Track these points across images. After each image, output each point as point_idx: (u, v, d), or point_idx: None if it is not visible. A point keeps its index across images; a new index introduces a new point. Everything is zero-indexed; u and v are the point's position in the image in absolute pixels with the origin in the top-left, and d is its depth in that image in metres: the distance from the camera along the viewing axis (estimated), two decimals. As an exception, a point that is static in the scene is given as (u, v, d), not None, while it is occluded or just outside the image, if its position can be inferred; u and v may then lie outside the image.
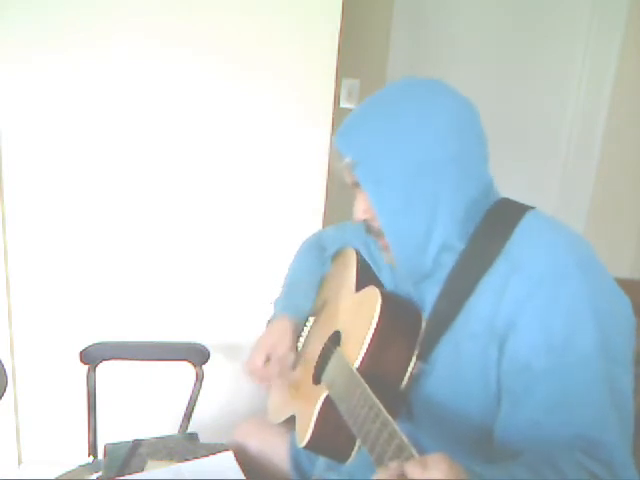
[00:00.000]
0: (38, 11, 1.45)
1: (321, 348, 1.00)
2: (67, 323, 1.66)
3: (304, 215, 1.61)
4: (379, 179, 0.79)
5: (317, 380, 0.95)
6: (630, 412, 0.71)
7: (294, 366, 1.09)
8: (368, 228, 0.87)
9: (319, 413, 0.85)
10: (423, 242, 0.80)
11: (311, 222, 1.60)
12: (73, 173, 1.56)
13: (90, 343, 1.35)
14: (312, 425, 0.85)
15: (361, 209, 0.85)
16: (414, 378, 0.81)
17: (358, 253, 1.05)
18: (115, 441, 1.22)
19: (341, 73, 1.70)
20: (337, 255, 1.14)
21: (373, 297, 0.86)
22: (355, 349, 0.82)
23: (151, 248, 1.63)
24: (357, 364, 0.80)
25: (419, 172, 0.78)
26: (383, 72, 2.03)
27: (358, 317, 0.90)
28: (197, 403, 1.40)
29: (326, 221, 1.62)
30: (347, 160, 0.81)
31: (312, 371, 0.99)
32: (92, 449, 1.36)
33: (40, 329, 1.67)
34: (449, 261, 0.81)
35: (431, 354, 0.80)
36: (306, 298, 1.10)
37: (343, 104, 1.94)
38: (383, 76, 2.02)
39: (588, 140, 2.15)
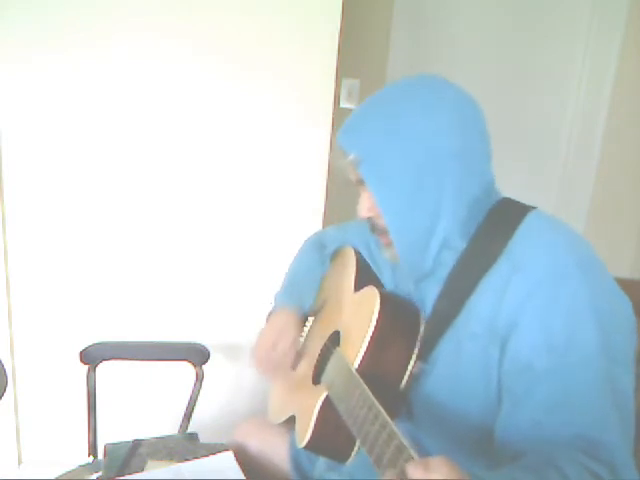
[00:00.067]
0: (38, 11, 1.45)
1: (320, 348, 1.00)
2: (67, 323, 1.66)
3: (304, 215, 1.61)
4: (383, 176, 0.79)
5: (316, 380, 0.95)
6: (631, 412, 0.71)
7: (294, 366, 1.09)
8: (372, 226, 0.87)
9: (319, 413, 0.85)
10: (425, 238, 0.80)
11: (311, 222, 1.60)
12: (73, 173, 1.56)
13: (90, 343, 1.35)
14: (312, 425, 0.85)
15: (365, 207, 0.85)
16: (414, 378, 0.80)
17: (357, 253, 1.05)
18: (115, 441, 1.22)
19: (341, 73, 1.70)
20: (336, 255, 1.14)
21: (372, 297, 0.86)
22: (354, 349, 0.82)
23: (151, 248, 1.63)
24: (356, 364, 0.80)
25: (423, 169, 0.78)
26: (383, 72, 2.03)
27: (357, 317, 0.90)
28: (197, 403, 1.40)
29: (326, 221, 1.62)
30: (351, 157, 0.81)
31: (312, 371, 0.99)
32: (92, 449, 1.36)
33: (40, 329, 1.67)
34: (450, 260, 0.81)
35: (431, 354, 0.80)
36: (307, 294, 1.10)
37: (343, 104, 1.94)
38: (383, 76, 2.02)
39: (588, 140, 2.15)
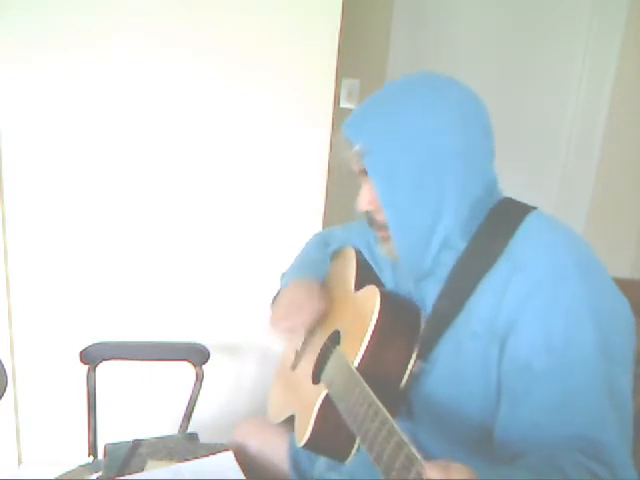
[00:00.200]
0: (38, 11, 1.45)
1: (320, 348, 1.00)
2: (67, 323, 1.66)
3: (304, 215, 1.61)
4: (388, 169, 0.79)
5: (316, 379, 0.95)
6: (629, 412, 0.71)
7: (294, 366, 1.10)
8: (370, 220, 0.87)
9: (318, 412, 0.85)
10: (426, 236, 0.80)
11: (311, 222, 1.60)
12: (73, 173, 1.56)
13: (90, 343, 1.35)
14: (311, 424, 0.85)
15: (366, 200, 0.85)
16: (414, 377, 0.81)
17: (358, 252, 1.05)
18: (115, 441, 1.22)
19: (341, 73, 1.70)
20: (336, 255, 1.14)
21: (372, 296, 0.86)
22: (354, 348, 0.82)
23: (151, 248, 1.63)
24: (356, 363, 0.80)
25: (424, 167, 0.78)
26: (383, 72, 2.03)
27: (357, 316, 0.90)
28: (197, 403, 1.40)
29: (326, 221, 1.62)
30: (357, 148, 0.81)
31: (311, 371, 0.99)
32: (92, 449, 1.35)
33: (40, 329, 1.67)
34: (450, 260, 0.81)
35: (431, 353, 0.81)
36: (317, 275, 1.08)
37: (343, 104, 1.94)
38: (383, 76, 2.02)
39: (588, 140, 2.15)
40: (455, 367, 0.78)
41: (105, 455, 1.19)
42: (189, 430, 1.40)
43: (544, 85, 2.13)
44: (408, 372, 0.80)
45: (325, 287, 1.06)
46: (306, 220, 1.61)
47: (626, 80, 2.09)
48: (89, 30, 1.47)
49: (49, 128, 1.53)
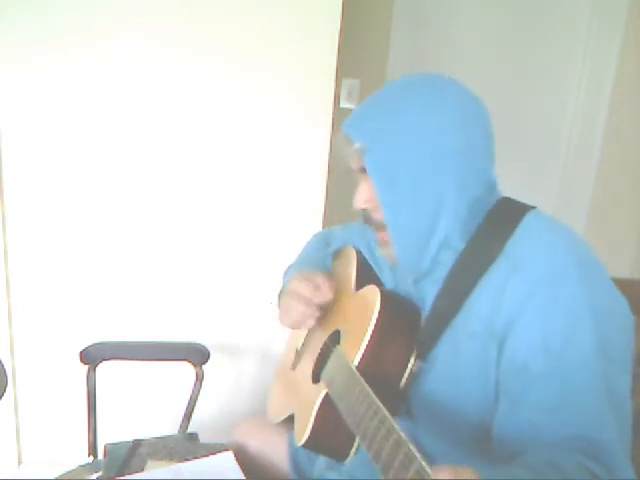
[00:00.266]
0: (38, 11, 1.45)
1: (320, 347, 1.00)
2: (67, 323, 1.66)
3: (304, 215, 1.61)
4: (387, 168, 0.79)
5: (316, 379, 0.95)
6: (627, 412, 0.71)
7: (294, 365, 1.10)
8: (367, 219, 0.87)
9: (318, 411, 0.85)
10: (425, 236, 0.80)
11: (311, 222, 1.60)
12: (73, 173, 1.56)
13: (90, 343, 1.35)
14: (311, 423, 0.85)
15: (363, 198, 0.85)
16: (413, 376, 0.81)
17: (358, 252, 1.05)
18: (115, 441, 1.21)
19: (341, 73, 1.70)
20: (337, 254, 1.14)
21: (372, 295, 0.86)
22: (354, 347, 0.82)
23: (151, 248, 1.63)
24: (356, 362, 0.80)
25: (426, 164, 0.78)
26: (383, 72, 2.03)
27: (358, 316, 0.90)
28: (197, 403, 1.40)
29: (326, 221, 1.62)
30: (357, 146, 0.81)
31: (311, 370, 0.99)
32: (92, 449, 1.35)
33: (40, 329, 1.67)
34: (449, 260, 0.81)
35: (430, 353, 0.81)
36: (322, 267, 1.07)
37: (343, 104, 1.94)
38: (383, 76, 2.02)
39: (588, 140, 2.15)
40: (454, 367, 0.78)
41: (105, 455, 1.19)
42: (189, 430, 1.40)
43: (544, 85, 2.13)
44: (408, 372, 0.80)
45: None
46: (306, 220, 1.61)
47: (626, 80, 2.09)
48: (89, 30, 1.47)
49: (49, 128, 1.53)
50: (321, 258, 1.12)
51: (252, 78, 1.52)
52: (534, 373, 0.70)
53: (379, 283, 0.94)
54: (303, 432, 0.87)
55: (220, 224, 1.62)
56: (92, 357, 1.33)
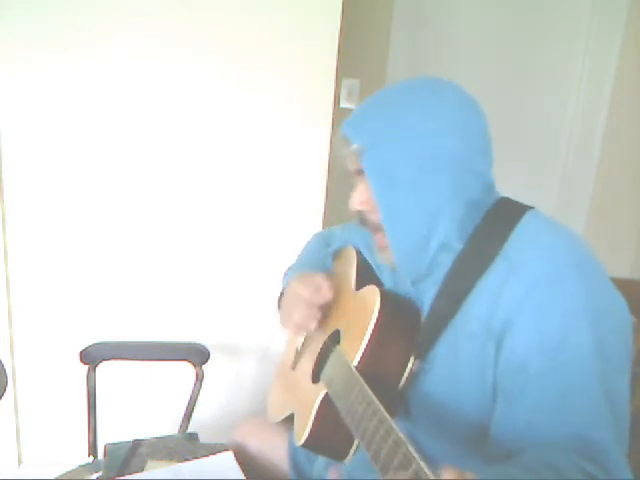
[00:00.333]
0: (38, 11, 1.45)
1: (320, 347, 1.00)
2: (67, 323, 1.66)
3: (304, 215, 1.61)
4: (385, 170, 0.79)
5: (316, 379, 0.95)
6: (625, 412, 0.71)
7: (294, 365, 1.10)
8: (362, 220, 0.87)
9: (317, 411, 0.85)
10: (423, 239, 0.80)
11: (311, 222, 1.60)
12: (73, 173, 1.56)
13: (90, 343, 1.35)
14: (310, 423, 0.85)
15: (359, 200, 0.85)
16: (413, 376, 0.81)
17: (358, 252, 1.05)
18: (115, 441, 1.21)
19: (341, 73, 1.70)
20: (338, 254, 1.14)
21: (373, 295, 0.86)
22: (354, 347, 0.82)
23: (151, 248, 1.63)
24: (356, 362, 0.80)
25: (424, 167, 0.78)
26: (383, 72, 2.03)
27: (357, 315, 0.90)
28: (197, 403, 1.40)
29: (326, 221, 1.62)
30: (355, 147, 0.81)
31: (311, 370, 0.99)
32: (92, 449, 1.35)
33: (40, 329, 1.67)
34: (447, 261, 0.81)
35: (430, 353, 0.81)
36: (321, 269, 1.07)
37: (343, 104, 1.94)
38: (383, 76, 2.02)
39: (588, 140, 2.15)
40: (452, 367, 0.78)
41: (105, 455, 1.19)
42: (189, 430, 1.40)
43: (544, 85, 2.13)
44: (407, 372, 0.80)
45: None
46: (306, 220, 1.61)
47: (626, 80, 2.09)
48: (89, 30, 1.47)
49: (49, 128, 1.53)
50: (321, 259, 1.12)
51: (252, 78, 1.52)
52: (531, 373, 0.70)
53: (379, 283, 0.94)
54: (302, 432, 0.87)
55: (220, 224, 1.62)
56: (92, 357, 1.33)
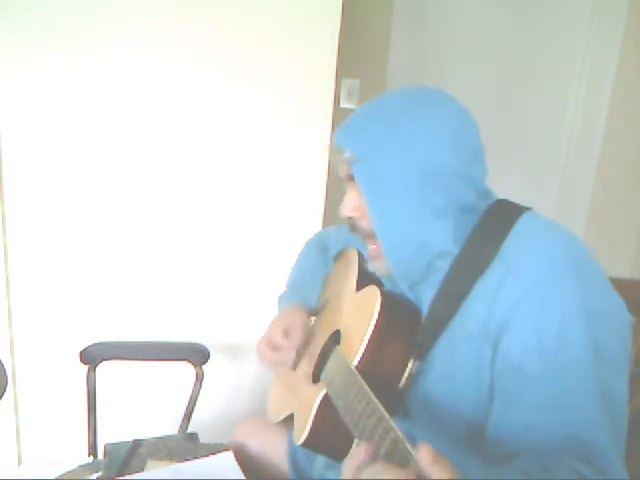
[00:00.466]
0: (38, 11, 1.45)
1: (321, 347, 1.00)
2: (67, 323, 1.66)
3: (304, 215, 1.61)
4: (377, 179, 0.80)
5: (316, 379, 0.96)
6: (623, 413, 0.71)
7: (294, 365, 1.10)
8: (353, 227, 0.87)
9: (317, 410, 0.85)
10: (418, 247, 0.80)
11: (311, 222, 1.60)
12: (73, 173, 1.56)
13: (90, 343, 1.35)
14: (310, 423, 0.86)
15: (350, 206, 0.85)
16: (412, 377, 0.81)
17: (359, 254, 1.06)
18: (115, 441, 1.21)
19: (341, 73, 1.70)
20: (339, 256, 1.14)
21: (373, 295, 0.86)
22: (354, 347, 0.82)
23: (151, 248, 1.63)
24: (356, 362, 0.80)
25: (417, 177, 0.78)
26: (383, 72, 2.03)
27: (358, 316, 0.90)
28: (197, 403, 1.40)
29: (326, 221, 1.62)
30: (347, 155, 0.82)
31: (312, 370, 1.00)
32: (92, 449, 1.36)
33: (40, 329, 1.67)
34: (444, 265, 0.81)
35: (429, 353, 0.81)
36: (311, 294, 1.10)
37: (343, 104, 1.94)
38: (383, 76, 2.02)
39: (588, 140, 2.15)
40: (451, 367, 0.78)
41: (105, 455, 1.19)
42: (189, 430, 1.40)
43: (544, 85, 2.13)
44: (407, 372, 0.80)
45: (320, 300, 1.10)
46: (306, 220, 1.61)
47: (626, 80, 2.09)
48: (89, 30, 1.47)
49: (49, 128, 1.53)
50: (312, 279, 1.14)
51: (252, 78, 1.52)
52: (529, 374, 0.70)
53: (380, 283, 0.94)
54: (302, 431, 0.87)
55: (220, 224, 1.62)
56: (92, 357, 1.33)
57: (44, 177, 1.56)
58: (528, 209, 0.83)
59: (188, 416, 1.41)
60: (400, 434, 0.57)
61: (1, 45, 1.47)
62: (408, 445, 0.54)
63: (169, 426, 1.46)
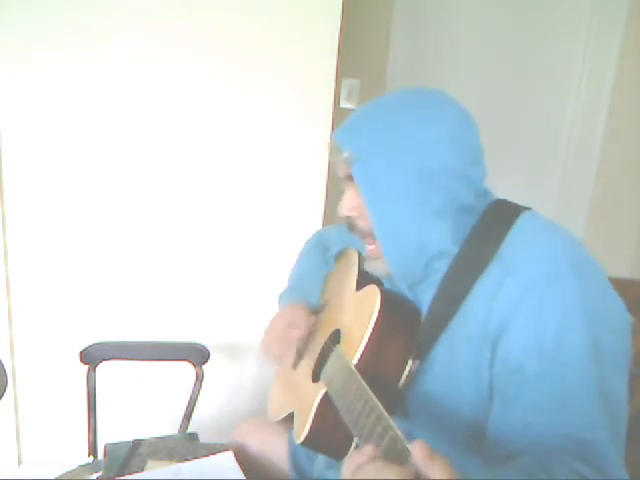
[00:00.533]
0: (38, 11, 1.45)
1: (321, 346, 1.00)
2: (67, 323, 1.66)
3: (304, 215, 1.61)
4: (375, 179, 0.80)
5: (316, 378, 0.96)
6: (622, 413, 0.71)
7: (294, 365, 1.10)
8: (351, 227, 0.87)
9: (317, 409, 0.86)
10: (417, 247, 0.80)
11: (311, 222, 1.60)
12: (73, 173, 1.56)
13: (90, 343, 1.35)
14: (310, 421, 0.86)
15: (349, 205, 0.85)
16: (412, 376, 0.81)
17: (359, 254, 1.06)
18: (115, 441, 1.21)
19: (341, 73, 1.70)
20: (339, 255, 1.14)
21: (373, 295, 0.86)
22: (354, 346, 0.83)
23: (151, 248, 1.63)
24: (355, 361, 0.81)
25: (417, 177, 0.78)
26: (383, 72, 2.03)
27: (358, 315, 0.90)
28: (197, 403, 1.40)
29: (326, 221, 1.62)
30: (345, 155, 0.82)
31: (312, 369, 1.00)
32: (92, 449, 1.36)
33: (40, 329, 1.67)
34: (443, 265, 0.81)
35: (428, 353, 0.81)
36: (312, 294, 1.10)
37: (343, 104, 1.94)
38: (383, 76, 2.03)
39: (588, 140, 2.15)
40: (450, 367, 0.78)
41: (105, 455, 1.19)
42: (189, 430, 1.40)
43: (544, 85, 2.13)
44: (407, 371, 0.80)
45: (320, 300, 1.10)
46: (306, 220, 1.61)
47: (626, 80, 2.09)
48: (89, 30, 1.47)
49: (49, 128, 1.53)
50: (312, 278, 1.14)
51: (252, 78, 1.52)
52: (528, 374, 0.70)
53: (379, 283, 0.94)
54: (302, 430, 0.87)
55: (220, 224, 1.62)
56: (92, 357, 1.33)
57: (44, 177, 1.56)
58: (527, 209, 0.83)
59: (188, 416, 1.41)
60: (399, 433, 0.57)
61: (1, 45, 1.47)
62: (407, 444, 0.54)
63: (169, 426, 1.46)
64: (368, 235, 0.84)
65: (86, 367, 1.33)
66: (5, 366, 1.31)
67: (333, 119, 1.55)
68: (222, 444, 1.15)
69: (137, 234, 1.62)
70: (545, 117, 2.17)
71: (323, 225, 1.61)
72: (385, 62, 2.02)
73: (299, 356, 1.08)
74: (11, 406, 1.70)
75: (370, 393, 0.69)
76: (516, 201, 0.86)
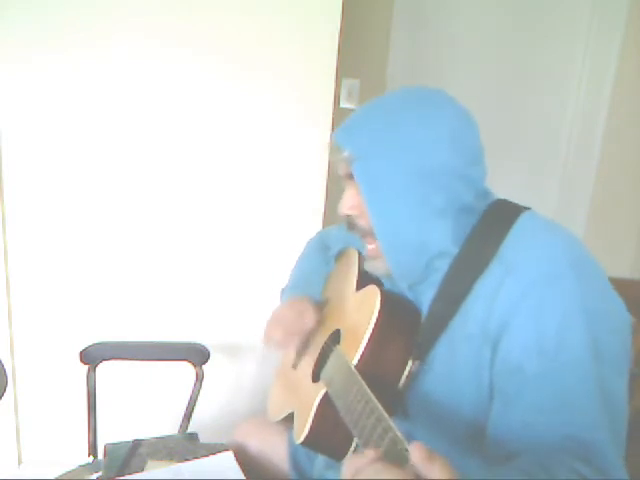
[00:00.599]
0: (38, 11, 1.45)
1: (321, 346, 1.00)
2: (67, 323, 1.66)
3: (304, 215, 1.61)
4: (376, 178, 0.80)
5: (316, 378, 0.96)
6: (623, 413, 0.71)
7: (294, 365, 1.10)
8: (351, 225, 0.87)
9: (317, 409, 0.86)
10: (417, 246, 0.80)
11: (311, 222, 1.60)
12: (73, 173, 1.56)
13: (90, 343, 1.35)
14: (310, 421, 0.86)
15: (349, 204, 0.85)
16: (412, 377, 0.81)
17: (360, 253, 1.06)
18: (115, 441, 1.21)
19: (341, 73, 1.70)
20: (340, 255, 1.14)
21: (373, 295, 0.86)
22: (354, 346, 0.82)
23: (151, 248, 1.63)
24: (355, 361, 0.81)
25: (417, 177, 0.78)
26: (383, 72, 2.03)
27: (358, 315, 0.90)
28: (197, 403, 1.40)
29: (326, 221, 1.62)
30: (345, 154, 0.82)
31: (312, 369, 1.00)
32: (92, 449, 1.36)
33: (40, 329, 1.67)
34: (443, 265, 0.81)
35: (429, 354, 0.81)
36: (313, 292, 1.10)
37: (343, 104, 1.94)
38: (383, 76, 2.02)
39: (588, 140, 2.15)
40: (451, 368, 0.78)
41: (105, 455, 1.19)
42: (189, 430, 1.40)
43: (544, 85, 2.13)
44: (406, 372, 0.80)
45: (322, 298, 1.09)
46: (306, 220, 1.61)
47: (626, 80, 2.09)
48: (89, 30, 1.47)
49: (49, 128, 1.53)
50: (315, 275, 1.14)
51: (252, 78, 1.52)
52: (528, 374, 0.70)
53: (380, 283, 0.94)
54: (302, 430, 0.87)
55: (220, 224, 1.62)
56: (92, 357, 1.33)
57: (44, 177, 1.56)
58: (527, 209, 0.83)
59: (188, 416, 1.41)
60: (399, 434, 0.57)
61: (1, 45, 1.47)
62: (407, 445, 0.54)
63: (169, 426, 1.46)
64: (368, 234, 0.84)
65: (86, 367, 1.33)
66: (5, 366, 1.31)
67: (333, 119, 1.55)
68: (222, 444, 1.15)
69: (137, 234, 1.62)
70: (545, 117, 2.17)
71: (323, 225, 1.62)
72: (385, 62, 2.02)
73: (299, 356, 1.08)
74: (11, 406, 1.70)
75: (370, 394, 0.69)
76: (516, 201, 0.86)
